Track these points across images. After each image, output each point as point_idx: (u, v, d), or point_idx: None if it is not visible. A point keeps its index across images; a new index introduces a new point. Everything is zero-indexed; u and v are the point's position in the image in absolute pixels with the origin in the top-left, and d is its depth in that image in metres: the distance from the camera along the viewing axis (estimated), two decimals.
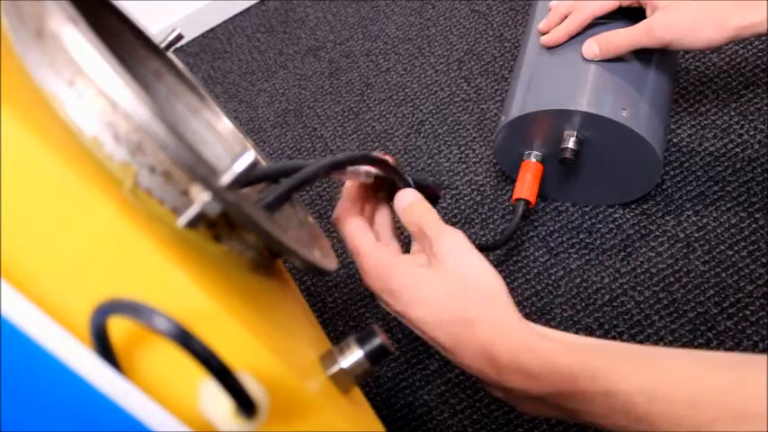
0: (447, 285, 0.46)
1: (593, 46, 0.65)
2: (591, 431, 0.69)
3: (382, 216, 0.55)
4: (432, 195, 0.55)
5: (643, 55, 0.69)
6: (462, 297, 0.45)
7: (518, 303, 0.77)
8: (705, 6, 0.59)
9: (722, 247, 0.74)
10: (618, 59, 0.69)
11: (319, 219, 0.89)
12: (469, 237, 0.82)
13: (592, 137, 0.68)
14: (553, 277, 0.77)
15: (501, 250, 0.80)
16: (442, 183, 0.57)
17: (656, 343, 0.71)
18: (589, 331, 0.73)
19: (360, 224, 0.51)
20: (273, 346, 0.32)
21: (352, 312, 0.82)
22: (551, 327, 0.75)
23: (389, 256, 0.49)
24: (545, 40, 0.70)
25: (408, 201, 0.51)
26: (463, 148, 0.90)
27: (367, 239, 0.50)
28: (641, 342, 0.72)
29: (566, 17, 0.69)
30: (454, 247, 0.47)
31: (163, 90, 0.56)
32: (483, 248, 0.71)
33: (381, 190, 0.55)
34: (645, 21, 0.63)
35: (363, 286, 0.49)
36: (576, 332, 0.74)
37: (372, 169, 0.50)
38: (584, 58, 0.69)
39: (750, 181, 0.77)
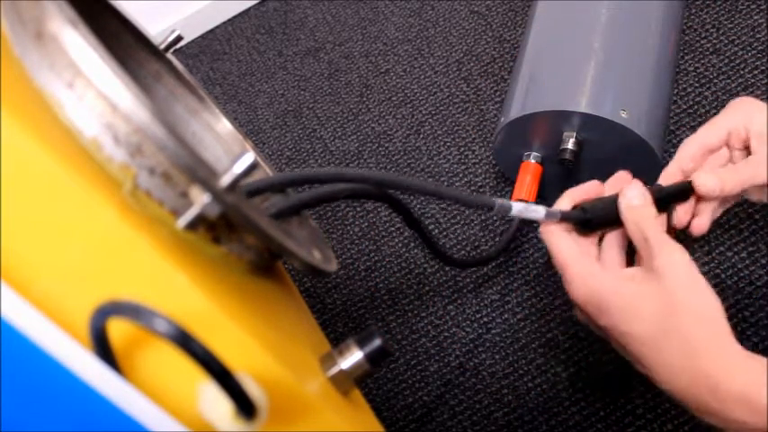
0: (663, 301, 0.43)
1: (715, 182, 0.52)
2: None
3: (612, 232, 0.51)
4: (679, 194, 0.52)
5: (642, 56, 0.69)
6: (679, 317, 0.42)
7: (517, 305, 0.77)
8: None
9: (721, 249, 0.74)
10: (617, 60, 0.69)
11: (319, 220, 0.89)
12: (469, 238, 0.82)
13: (591, 138, 0.68)
14: (553, 279, 0.77)
15: None
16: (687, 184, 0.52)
17: None
18: (589, 332, 0.73)
19: (563, 235, 0.48)
20: (273, 347, 0.32)
21: (351, 314, 0.82)
22: (551, 327, 0.75)
23: (595, 266, 0.46)
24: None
25: (635, 201, 0.48)
26: (462, 148, 0.90)
27: (570, 249, 0.47)
28: None
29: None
30: (678, 263, 0.44)
31: (162, 91, 0.56)
32: (489, 258, 0.71)
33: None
34: (756, 158, 0.52)
35: (569, 297, 0.47)
36: (576, 332, 0.74)
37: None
38: (583, 60, 0.69)
39: None
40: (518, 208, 0.47)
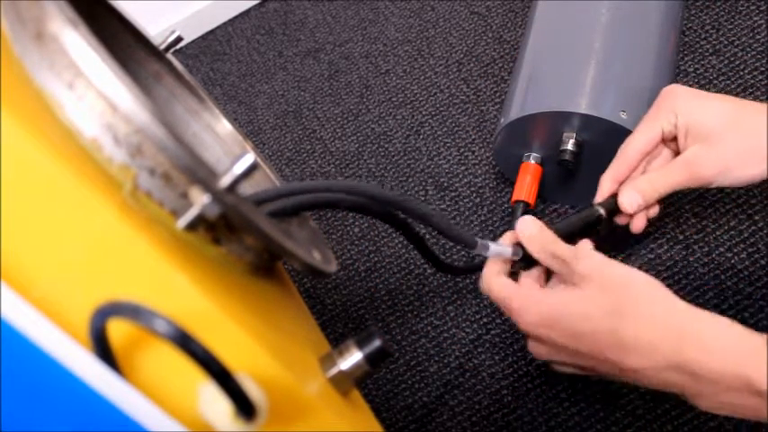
0: (601, 294, 0.46)
1: (636, 197, 0.56)
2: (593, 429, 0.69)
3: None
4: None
5: (642, 57, 0.69)
6: (622, 299, 0.45)
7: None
8: (747, 138, 0.52)
9: (721, 249, 0.74)
10: (617, 61, 0.69)
11: (319, 220, 0.89)
12: None
13: (591, 139, 0.68)
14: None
15: None
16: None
17: None
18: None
19: (498, 278, 0.51)
20: (272, 348, 0.32)
21: (351, 314, 0.82)
22: None
23: (534, 292, 0.49)
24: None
25: (530, 231, 0.51)
26: (462, 149, 0.90)
27: (507, 286, 0.50)
28: None
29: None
30: (595, 260, 0.47)
31: (162, 92, 0.56)
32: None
33: None
34: (684, 157, 0.54)
35: (521, 329, 0.50)
36: None
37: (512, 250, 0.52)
38: (583, 61, 0.69)
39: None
40: (495, 249, 0.51)
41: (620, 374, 0.47)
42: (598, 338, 0.45)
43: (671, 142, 0.57)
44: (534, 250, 0.50)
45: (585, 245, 0.49)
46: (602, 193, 0.58)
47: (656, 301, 0.45)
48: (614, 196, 0.57)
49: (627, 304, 0.45)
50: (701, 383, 0.43)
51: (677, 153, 0.56)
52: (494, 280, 0.51)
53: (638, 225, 0.58)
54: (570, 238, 0.53)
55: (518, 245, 0.52)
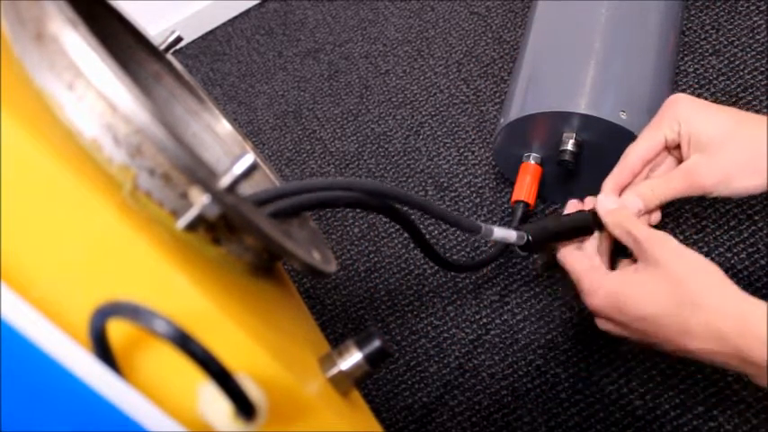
0: (668, 280, 0.48)
1: (638, 202, 0.57)
2: (596, 427, 0.69)
3: (587, 244, 0.57)
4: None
5: (642, 57, 0.69)
6: (686, 286, 0.47)
7: (517, 306, 0.77)
8: (746, 150, 0.53)
9: (721, 250, 0.74)
10: (617, 61, 0.69)
11: (319, 220, 0.89)
12: (469, 239, 0.82)
13: (591, 139, 0.68)
14: (552, 279, 0.77)
15: None
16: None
17: None
18: (588, 333, 0.73)
19: (575, 253, 0.55)
20: (272, 348, 0.32)
21: (351, 314, 0.82)
22: (550, 328, 0.75)
23: (603, 273, 0.52)
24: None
25: (612, 205, 0.55)
26: (462, 149, 0.90)
27: (581, 265, 0.53)
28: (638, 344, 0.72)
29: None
30: (669, 246, 0.50)
31: (162, 92, 0.56)
32: (490, 260, 0.71)
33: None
34: (685, 166, 0.55)
35: (588, 306, 0.53)
36: (576, 333, 0.74)
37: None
38: (582, 61, 0.69)
39: None
40: (499, 233, 0.53)
41: (682, 354, 0.49)
42: (664, 323, 0.48)
43: (675, 150, 0.57)
44: (611, 224, 0.54)
45: (658, 233, 0.51)
46: (605, 194, 0.59)
47: (723, 292, 0.47)
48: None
49: (695, 294, 0.47)
50: (758, 369, 0.45)
51: (680, 161, 0.57)
52: (570, 252, 0.55)
53: (654, 219, 0.59)
54: (560, 236, 0.56)
55: (522, 231, 0.54)
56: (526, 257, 0.55)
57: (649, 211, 0.58)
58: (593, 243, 0.56)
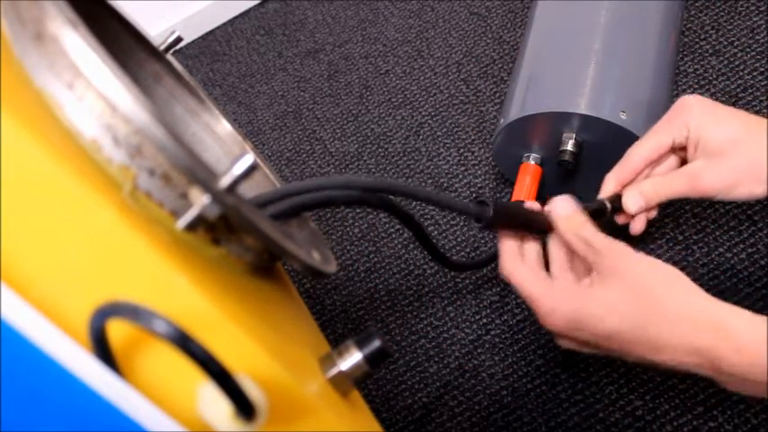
0: (628, 291, 0.46)
1: (639, 199, 0.57)
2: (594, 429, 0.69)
3: (530, 250, 0.52)
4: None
5: (642, 57, 0.69)
6: (647, 295, 0.45)
7: (517, 306, 0.77)
8: (751, 161, 0.53)
9: (721, 250, 0.74)
10: (617, 61, 0.69)
11: (319, 221, 0.89)
12: (469, 239, 0.82)
13: (591, 139, 0.68)
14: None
15: None
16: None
17: None
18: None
19: (522, 270, 0.50)
20: (272, 348, 0.32)
21: (351, 315, 0.82)
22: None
23: (558, 293, 0.48)
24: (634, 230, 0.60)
25: (567, 210, 0.51)
26: (462, 150, 0.90)
27: (534, 286, 0.49)
28: None
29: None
30: (628, 255, 0.47)
31: (162, 92, 0.56)
32: (490, 259, 0.71)
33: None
34: (689, 169, 0.55)
35: (544, 328, 0.49)
36: None
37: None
38: (582, 62, 0.69)
39: None
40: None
41: (648, 364, 0.47)
42: (627, 338, 0.46)
43: (679, 150, 0.58)
44: (564, 232, 0.50)
45: (614, 242, 0.49)
46: (605, 193, 0.59)
47: (684, 299, 0.45)
48: (618, 195, 0.58)
49: (661, 304, 0.45)
50: (727, 375, 0.44)
51: (683, 161, 0.57)
52: (515, 270, 0.50)
53: (637, 227, 0.59)
54: (519, 223, 0.51)
55: (494, 208, 0.49)
56: (480, 229, 0.52)
57: (648, 209, 0.58)
58: (533, 248, 0.52)
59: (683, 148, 0.57)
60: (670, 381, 0.70)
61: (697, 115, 0.54)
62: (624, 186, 0.58)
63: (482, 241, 0.82)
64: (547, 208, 0.52)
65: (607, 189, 0.59)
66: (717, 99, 0.82)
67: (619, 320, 0.45)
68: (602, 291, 0.46)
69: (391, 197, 0.47)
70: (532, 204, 0.53)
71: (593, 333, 0.46)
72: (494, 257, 0.73)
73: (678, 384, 0.69)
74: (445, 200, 0.48)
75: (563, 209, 0.51)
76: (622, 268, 0.46)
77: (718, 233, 0.75)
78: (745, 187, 0.53)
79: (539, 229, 0.51)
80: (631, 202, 0.57)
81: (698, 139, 0.54)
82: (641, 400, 0.69)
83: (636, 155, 0.57)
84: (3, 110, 0.29)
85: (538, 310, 0.48)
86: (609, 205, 0.57)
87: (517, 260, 0.50)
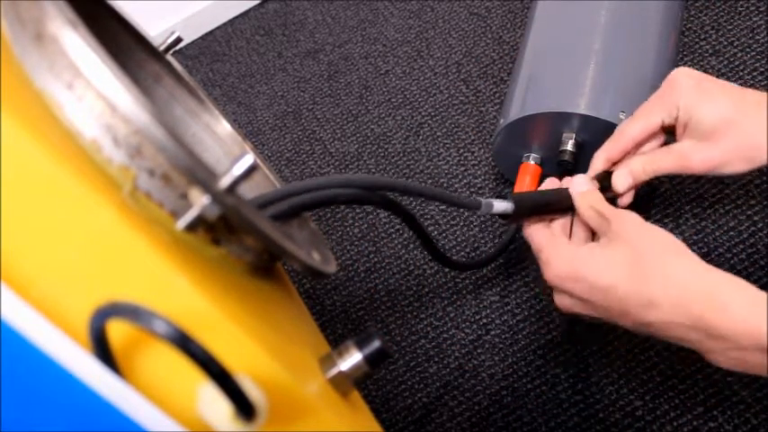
0: (628, 250, 0.48)
1: (627, 178, 0.58)
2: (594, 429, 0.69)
3: (555, 222, 0.57)
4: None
5: (642, 57, 0.69)
6: (645, 256, 0.47)
7: (517, 306, 0.77)
8: (739, 143, 0.54)
9: (720, 250, 0.74)
10: (617, 61, 0.69)
11: (318, 221, 0.89)
12: (469, 239, 0.82)
13: (590, 139, 0.68)
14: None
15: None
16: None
17: (654, 346, 0.71)
18: (588, 333, 0.73)
19: (539, 227, 0.55)
20: (272, 349, 0.32)
21: (351, 315, 0.82)
22: (550, 328, 0.75)
23: (564, 245, 0.52)
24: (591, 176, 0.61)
25: (585, 187, 0.55)
26: (462, 150, 0.90)
27: (543, 237, 0.53)
28: (638, 345, 0.72)
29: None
30: (634, 221, 0.50)
31: (162, 93, 0.56)
32: (490, 259, 0.71)
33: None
34: (679, 149, 0.57)
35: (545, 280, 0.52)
36: (575, 334, 0.74)
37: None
38: (582, 62, 0.69)
39: (748, 184, 0.77)
40: (498, 206, 0.52)
41: (639, 328, 0.49)
42: (623, 294, 0.47)
43: (669, 127, 0.58)
44: (582, 206, 0.54)
45: (623, 211, 0.52)
46: (594, 170, 0.60)
47: (681, 263, 0.47)
48: (606, 173, 0.59)
49: (657, 265, 0.47)
50: (716, 341, 0.45)
51: (672, 135, 0.58)
52: (536, 228, 0.55)
53: (624, 201, 0.60)
54: (542, 209, 0.55)
55: (510, 201, 0.53)
56: (505, 224, 0.55)
57: (636, 186, 0.59)
58: (561, 222, 0.56)
59: (671, 126, 0.57)
60: (670, 381, 0.70)
61: (687, 95, 0.55)
62: (613, 164, 0.59)
63: (482, 241, 0.82)
64: (566, 185, 0.56)
65: (596, 166, 0.60)
66: None
67: (616, 274, 0.47)
68: (605, 249, 0.49)
69: (392, 196, 0.48)
70: (552, 182, 0.58)
71: (591, 285, 0.49)
72: (494, 257, 0.74)
73: (678, 384, 0.69)
74: (449, 197, 0.50)
75: (581, 185, 0.55)
76: (626, 232, 0.49)
77: (718, 233, 0.75)
78: (733, 166, 0.54)
79: (560, 208, 0.55)
80: (620, 181, 0.58)
81: (688, 119, 0.55)
82: (641, 401, 0.69)
83: (626, 134, 0.58)
84: (3, 110, 0.29)
85: (542, 258, 0.52)
86: (598, 184, 0.58)
87: (539, 225, 0.55)
